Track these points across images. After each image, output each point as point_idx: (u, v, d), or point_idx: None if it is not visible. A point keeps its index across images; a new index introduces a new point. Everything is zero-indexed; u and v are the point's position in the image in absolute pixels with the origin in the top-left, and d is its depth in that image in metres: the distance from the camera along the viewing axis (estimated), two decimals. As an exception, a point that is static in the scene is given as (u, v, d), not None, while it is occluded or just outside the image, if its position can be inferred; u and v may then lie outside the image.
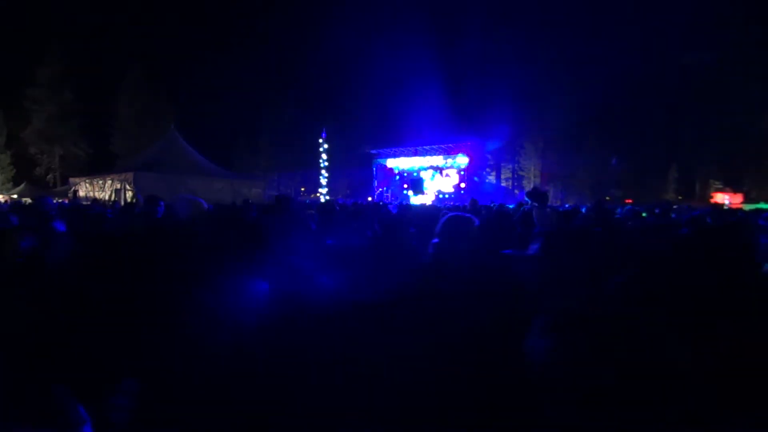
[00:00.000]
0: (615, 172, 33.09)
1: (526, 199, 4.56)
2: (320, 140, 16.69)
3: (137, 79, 34.37)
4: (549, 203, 4.71)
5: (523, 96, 33.51)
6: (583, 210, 5.59)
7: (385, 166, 24.28)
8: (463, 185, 21.57)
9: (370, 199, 21.78)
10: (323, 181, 16.64)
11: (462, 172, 21.92)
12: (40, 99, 30.87)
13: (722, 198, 24.17)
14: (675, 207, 8.58)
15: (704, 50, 30.24)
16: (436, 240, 2.14)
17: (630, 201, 22.71)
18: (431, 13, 39.80)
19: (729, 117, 28.75)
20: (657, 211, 5.27)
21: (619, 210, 5.50)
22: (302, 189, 29.07)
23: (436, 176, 22.54)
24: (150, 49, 36.30)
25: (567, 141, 32.85)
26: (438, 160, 22.67)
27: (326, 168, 16.78)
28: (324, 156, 16.57)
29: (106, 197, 15.12)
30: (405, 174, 23.33)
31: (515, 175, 36.19)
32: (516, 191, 32.21)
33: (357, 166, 26.39)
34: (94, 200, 13.36)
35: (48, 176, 32.00)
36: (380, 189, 23.67)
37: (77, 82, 31.93)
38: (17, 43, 32.45)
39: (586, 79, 31.73)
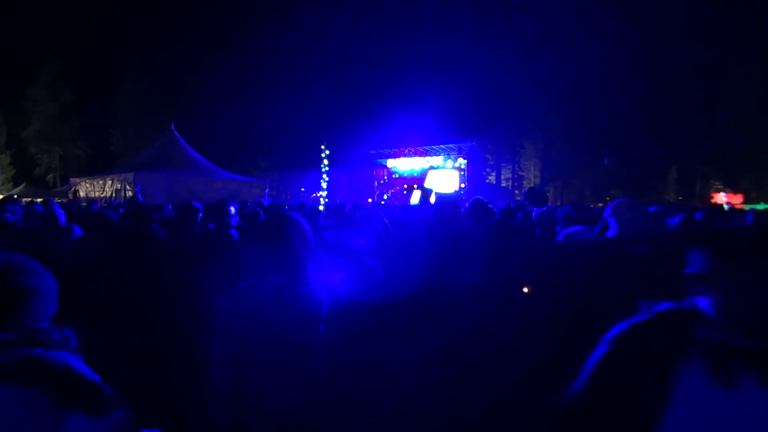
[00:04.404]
0: (614, 171, 33.09)
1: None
2: (322, 146, 16.76)
3: (137, 78, 34.39)
4: (549, 204, 4.66)
5: (523, 96, 33.54)
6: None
7: (385, 166, 24.28)
8: (463, 185, 21.57)
9: (370, 200, 21.76)
10: (324, 184, 16.70)
11: (462, 173, 21.91)
12: (40, 99, 30.89)
13: (721, 198, 24.19)
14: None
15: (704, 50, 30.23)
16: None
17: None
18: (431, 14, 39.82)
19: (729, 117, 28.76)
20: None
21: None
22: (302, 189, 29.13)
23: (436, 177, 22.55)
24: (150, 49, 36.31)
25: (567, 141, 32.87)
26: (438, 160, 22.66)
27: (326, 169, 16.87)
28: (326, 161, 16.63)
29: (107, 197, 15.13)
30: (405, 175, 23.34)
31: (515, 176, 36.21)
32: (517, 192, 32.22)
33: (357, 166, 26.44)
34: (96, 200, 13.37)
35: (48, 176, 32.01)
36: (379, 190, 23.67)
37: (77, 82, 32.01)
38: (17, 43, 32.45)
39: (586, 79, 31.75)
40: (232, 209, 4.24)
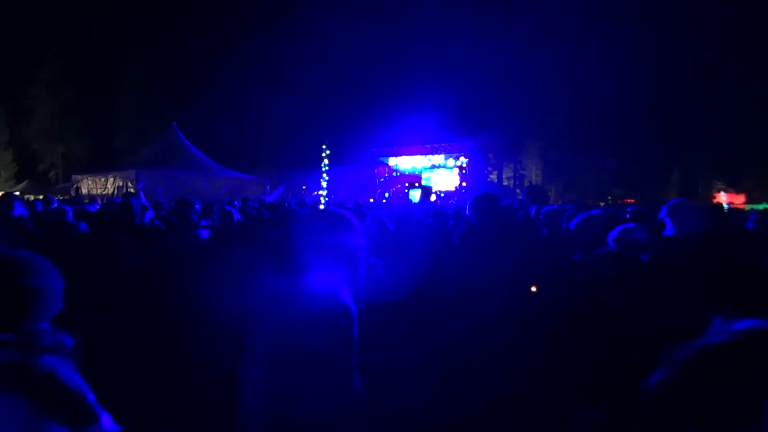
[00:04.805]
0: (617, 171, 33.02)
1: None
2: (323, 146, 16.77)
3: (139, 77, 34.40)
4: (550, 202, 4.57)
5: (525, 95, 33.46)
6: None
7: (387, 164, 24.28)
8: (464, 184, 21.57)
9: (372, 200, 21.76)
10: (324, 183, 16.72)
11: (464, 171, 21.91)
12: (41, 97, 30.94)
13: (722, 198, 24.13)
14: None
15: (706, 50, 30.10)
16: None
17: (632, 201, 22.67)
18: (434, 13, 39.71)
19: (731, 117, 28.66)
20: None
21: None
22: (303, 187, 29.18)
23: (437, 175, 22.55)
24: (151, 47, 36.30)
25: (569, 141, 32.80)
26: (439, 159, 22.66)
27: (327, 168, 16.88)
28: (326, 161, 16.66)
29: (109, 194, 15.17)
30: (407, 173, 23.35)
31: (517, 174, 36.15)
32: (518, 191, 32.18)
33: (359, 164, 26.44)
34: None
35: (50, 173, 32.08)
36: (380, 188, 23.68)
37: (79, 79, 32.03)
38: (19, 41, 32.48)
39: (588, 78, 31.64)
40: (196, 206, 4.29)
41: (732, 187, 28.40)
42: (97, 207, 5.68)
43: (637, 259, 2.14)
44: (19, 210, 3.18)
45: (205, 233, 3.43)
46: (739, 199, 23.90)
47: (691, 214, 2.27)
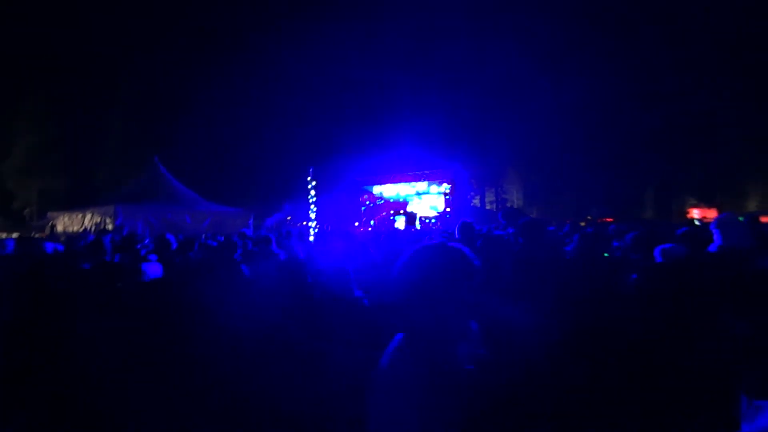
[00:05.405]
0: (594, 192, 34.03)
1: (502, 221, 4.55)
2: (308, 178, 16.85)
3: (120, 111, 34.34)
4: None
5: (504, 122, 34.64)
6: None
7: (371, 192, 24.47)
8: (448, 209, 21.84)
9: (357, 224, 21.78)
10: (312, 214, 16.66)
11: (447, 197, 22.24)
12: (19, 133, 30.50)
13: (694, 213, 24.99)
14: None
15: (678, 75, 31.83)
16: None
17: (610, 219, 23.23)
18: (415, 43, 41.36)
19: (703, 133, 30.10)
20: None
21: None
22: (288, 218, 28.96)
23: (420, 202, 22.80)
24: (133, 81, 36.40)
25: (548, 164, 33.85)
26: (423, 186, 23.01)
27: (313, 200, 16.85)
28: (312, 192, 16.68)
29: (85, 231, 14.73)
30: (391, 200, 23.54)
31: (499, 198, 36.86)
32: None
33: (343, 193, 26.55)
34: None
35: (25, 210, 31.13)
36: (365, 216, 23.74)
37: (57, 115, 31.71)
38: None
39: (564, 103, 33.03)
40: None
41: (704, 201, 29.47)
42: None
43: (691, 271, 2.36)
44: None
45: (153, 269, 3.40)
46: (711, 214, 24.78)
47: (738, 228, 2.53)
